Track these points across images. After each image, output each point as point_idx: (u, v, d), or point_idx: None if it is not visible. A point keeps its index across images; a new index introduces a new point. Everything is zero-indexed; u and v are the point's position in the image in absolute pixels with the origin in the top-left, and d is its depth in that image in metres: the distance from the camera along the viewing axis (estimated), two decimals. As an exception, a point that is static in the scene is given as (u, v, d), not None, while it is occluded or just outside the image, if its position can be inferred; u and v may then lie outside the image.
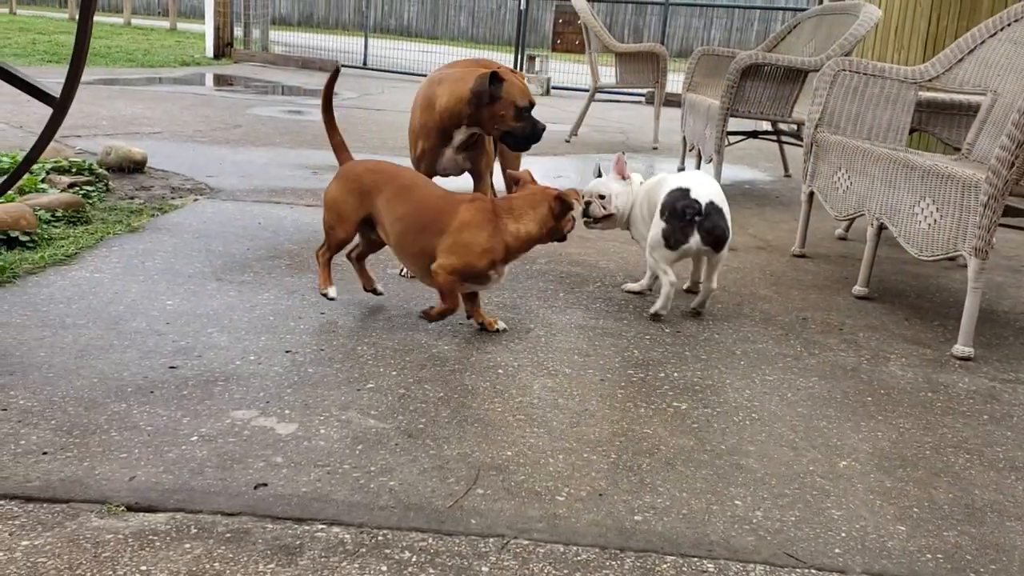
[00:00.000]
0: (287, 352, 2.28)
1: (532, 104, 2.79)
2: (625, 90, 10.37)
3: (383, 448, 1.82)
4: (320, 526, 1.53)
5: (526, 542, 1.53)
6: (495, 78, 2.70)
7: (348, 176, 2.59)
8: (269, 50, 13.50)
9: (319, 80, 10.86)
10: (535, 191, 2.52)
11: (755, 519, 1.67)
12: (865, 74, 3.44)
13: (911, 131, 3.62)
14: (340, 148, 2.67)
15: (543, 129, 2.83)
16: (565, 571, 1.46)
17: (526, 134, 2.78)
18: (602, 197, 2.98)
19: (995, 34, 3.37)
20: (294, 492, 1.63)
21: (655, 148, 6.94)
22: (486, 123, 2.77)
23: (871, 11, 4.51)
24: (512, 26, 12.88)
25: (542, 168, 5.56)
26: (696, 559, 1.53)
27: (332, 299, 2.65)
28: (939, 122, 3.86)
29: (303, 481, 1.67)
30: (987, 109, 3.33)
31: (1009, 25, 3.34)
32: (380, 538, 1.51)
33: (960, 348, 2.68)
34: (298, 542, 1.48)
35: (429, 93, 2.85)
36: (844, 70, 3.45)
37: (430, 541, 1.51)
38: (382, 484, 1.68)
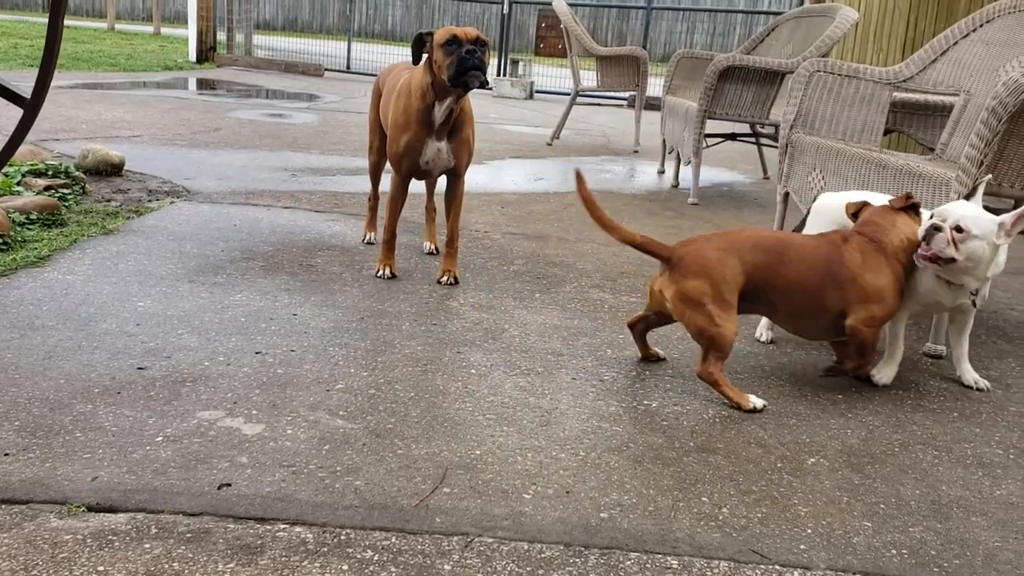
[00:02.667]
0: (257, 353, 2.27)
1: (457, 38, 2.73)
2: (608, 94, 10.39)
3: (350, 448, 1.81)
4: (282, 526, 1.52)
5: (490, 540, 1.52)
6: (419, 37, 2.84)
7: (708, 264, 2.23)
8: (252, 54, 13.46)
9: (302, 83, 10.84)
10: (880, 207, 2.38)
11: (721, 516, 1.67)
12: (840, 75, 3.46)
13: (886, 131, 3.64)
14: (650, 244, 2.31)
15: (472, 52, 2.70)
16: (528, 568, 1.45)
17: (460, 61, 2.69)
18: (960, 231, 2.21)
19: (967, 35, 3.39)
20: (258, 492, 1.62)
21: (636, 151, 6.96)
22: (439, 80, 2.77)
23: (848, 13, 4.54)
24: (496, 30, 12.88)
25: (523, 171, 5.56)
26: (660, 555, 1.52)
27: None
28: (914, 122, 3.88)
29: (267, 481, 1.66)
30: (960, 109, 3.35)
31: (981, 26, 3.36)
32: (343, 537, 1.50)
33: (931, 346, 2.69)
34: (259, 542, 1.47)
35: (407, 84, 2.90)
36: (819, 71, 3.47)
37: (393, 540, 1.50)
38: (347, 484, 1.67)
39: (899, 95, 3.85)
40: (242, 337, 2.37)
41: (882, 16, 6.00)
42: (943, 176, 2.61)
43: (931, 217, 2.26)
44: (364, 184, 3.49)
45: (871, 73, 3.45)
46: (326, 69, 12.65)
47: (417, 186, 3.67)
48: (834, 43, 4.38)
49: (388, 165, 3.09)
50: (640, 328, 2.46)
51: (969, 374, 2.46)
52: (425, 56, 2.83)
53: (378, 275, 3.02)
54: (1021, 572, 1.57)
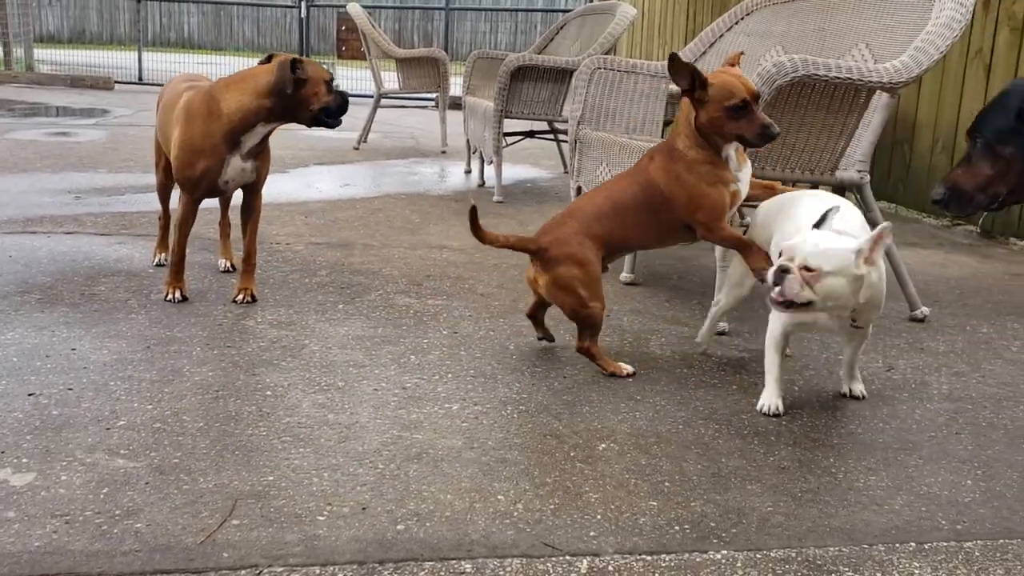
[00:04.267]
0: (30, 395, 2.12)
1: (332, 77, 2.86)
2: (417, 96, 10.39)
3: (131, 489, 1.72)
4: (52, 582, 1.43)
5: (280, 569, 1.49)
6: (296, 64, 2.73)
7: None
8: (34, 69, 12.55)
9: (91, 98, 10.21)
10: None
11: (516, 512, 1.71)
12: (619, 71, 3.61)
13: (666, 123, 3.83)
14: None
15: (346, 97, 2.89)
16: (320, 592, 1.43)
17: (339, 104, 2.83)
18: (810, 270, 2.00)
19: (731, 28, 3.62)
20: (25, 548, 1.51)
21: (444, 152, 7.00)
22: (295, 110, 2.76)
23: (626, 10, 4.74)
24: (296, 34, 12.61)
25: (329, 177, 5.47)
26: (455, 561, 1.54)
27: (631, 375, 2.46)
28: (691, 113, 4.09)
29: (37, 535, 1.55)
30: (730, 99, 3.57)
31: (743, 19, 3.59)
32: (120, 586, 1.42)
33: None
34: (25, 603, 1.37)
35: (204, 102, 2.74)
36: (600, 68, 3.60)
37: (176, 581, 1.44)
38: (127, 528, 1.58)
39: (675, 87, 4.05)
40: (13, 379, 2.20)
41: (665, 10, 6.32)
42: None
43: (779, 256, 2.07)
44: (156, 202, 3.30)
45: (648, 68, 3.62)
46: (117, 81, 11.96)
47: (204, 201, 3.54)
48: (616, 39, 4.57)
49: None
50: (539, 316, 2.65)
51: (857, 385, 2.38)
52: (268, 78, 2.72)
53: (167, 299, 2.88)
54: (790, 533, 1.69)
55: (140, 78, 12.63)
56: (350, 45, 20.06)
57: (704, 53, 3.66)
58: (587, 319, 2.41)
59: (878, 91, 2.74)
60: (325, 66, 2.96)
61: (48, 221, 3.92)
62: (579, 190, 3.70)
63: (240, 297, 2.92)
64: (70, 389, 2.17)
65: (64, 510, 1.63)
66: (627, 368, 2.44)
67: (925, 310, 3.07)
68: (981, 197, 2.21)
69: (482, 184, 5.55)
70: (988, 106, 2.25)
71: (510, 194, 5.23)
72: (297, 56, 2.78)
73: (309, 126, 2.85)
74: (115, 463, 1.81)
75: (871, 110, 2.84)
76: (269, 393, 2.21)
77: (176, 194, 3.13)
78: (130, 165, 5.57)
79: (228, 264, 3.29)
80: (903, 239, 4.47)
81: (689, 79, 2.34)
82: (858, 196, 2.97)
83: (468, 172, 6.00)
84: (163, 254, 3.29)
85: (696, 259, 3.86)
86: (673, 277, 3.54)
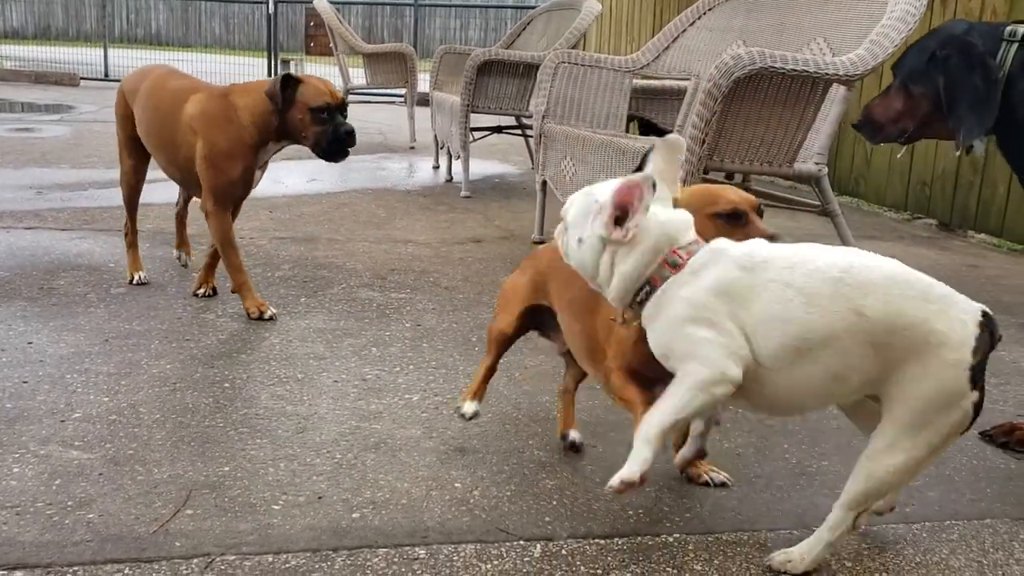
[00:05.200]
0: (-17, 389, 2.10)
1: (333, 104, 2.59)
2: (387, 91, 10.36)
3: (84, 480, 1.71)
4: (1, 573, 1.41)
5: (233, 557, 1.49)
6: (288, 80, 2.57)
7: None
8: (-2, 65, 12.39)
9: (55, 94, 10.09)
10: None
11: (472, 499, 1.71)
12: (583, 65, 3.62)
13: (630, 117, 3.86)
14: None
15: (349, 131, 2.58)
16: (272, 579, 1.43)
17: (329, 139, 2.57)
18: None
19: (693, 23, 3.65)
20: (-26, 540, 1.49)
21: (412, 147, 6.99)
22: (293, 133, 2.62)
23: (592, 5, 4.76)
24: (265, 30, 12.54)
25: (295, 173, 5.45)
26: (409, 547, 1.54)
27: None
28: (654, 107, 4.13)
29: (-14, 527, 1.53)
30: (692, 93, 3.60)
31: (704, 14, 3.62)
32: (70, 575, 1.41)
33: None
34: (-28, 594, 1.36)
35: (223, 107, 2.62)
36: (564, 62, 3.62)
37: (126, 572, 1.43)
38: (79, 518, 1.57)
39: (639, 82, 4.09)
40: (-34, 374, 2.18)
41: (632, 6, 6.36)
42: (673, 156, 2.79)
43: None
44: (118, 198, 3.22)
45: (612, 62, 3.64)
46: (82, 78, 11.84)
47: (164, 193, 3.50)
48: (581, 34, 4.59)
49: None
50: None
51: None
52: (270, 87, 2.57)
53: (263, 318, 2.71)
54: (743, 516, 1.71)
55: (106, 74, 12.50)
56: (319, 41, 19.92)
57: (667, 49, 3.69)
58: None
59: (835, 84, 2.77)
60: (293, 62, 2.85)
61: (8, 216, 3.87)
62: (544, 184, 3.71)
63: (201, 290, 2.90)
64: (25, 382, 2.15)
65: (15, 501, 1.62)
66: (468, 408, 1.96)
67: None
68: (891, 129, 2.37)
69: (450, 179, 5.55)
70: (912, 45, 2.36)
71: (478, 189, 5.23)
72: (294, 75, 2.62)
73: (317, 155, 2.64)
74: (69, 455, 1.80)
75: (829, 102, 2.88)
76: (227, 385, 2.21)
77: (156, 209, 3.09)
78: (94, 161, 5.51)
79: (185, 256, 3.23)
80: (864, 232, 4.53)
81: None
82: (816, 188, 3.00)
83: (436, 167, 6.00)
84: (140, 273, 3.01)
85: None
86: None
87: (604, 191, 1.47)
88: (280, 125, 2.61)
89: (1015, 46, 2.14)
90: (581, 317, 1.74)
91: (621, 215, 1.44)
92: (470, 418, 1.96)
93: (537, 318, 1.92)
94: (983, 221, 4.55)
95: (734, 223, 1.60)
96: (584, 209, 1.49)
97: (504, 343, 1.94)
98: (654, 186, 1.42)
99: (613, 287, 1.49)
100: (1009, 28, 2.16)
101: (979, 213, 4.57)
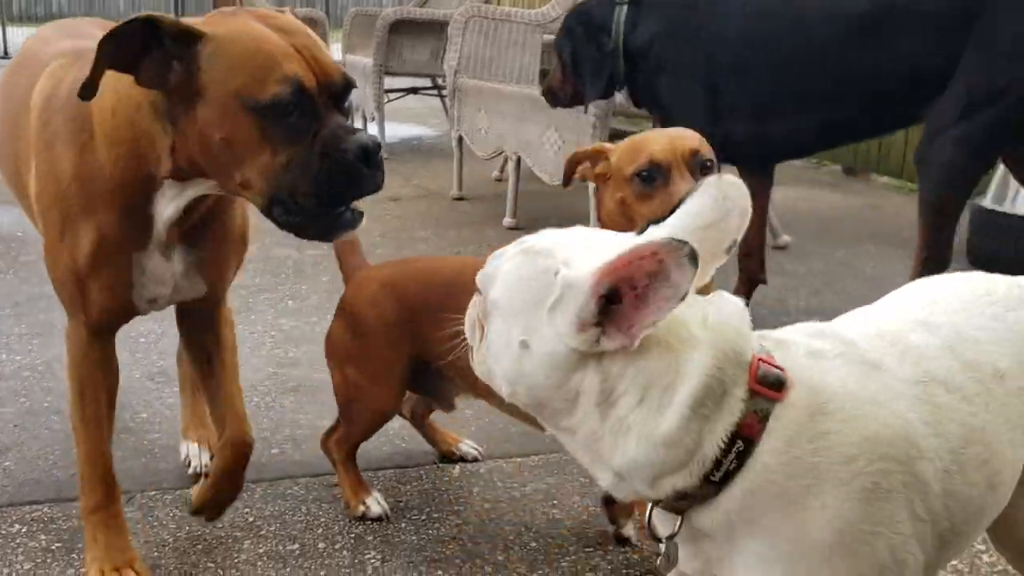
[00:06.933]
0: None
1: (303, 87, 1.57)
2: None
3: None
4: (-86, 520, 1.41)
5: (153, 492, 1.51)
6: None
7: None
8: None
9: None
10: None
11: (393, 431, 1.75)
12: (494, 19, 3.65)
13: (542, 71, 3.89)
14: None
15: (367, 151, 1.53)
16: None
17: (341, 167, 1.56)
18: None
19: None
20: None
21: (329, 115, 6.92)
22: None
23: (501, -37, 4.77)
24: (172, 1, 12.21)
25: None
26: (330, 475, 1.57)
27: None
28: (565, 61, 4.17)
29: None
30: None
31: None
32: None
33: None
34: None
35: (54, 100, 1.78)
36: (474, 16, 3.63)
37: (45, 510, 1.44)
38: (-6, 467, 1.57)
39: (549, 37, 4.12)
40: None
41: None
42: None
43: None
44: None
45: (521, 16, 3.67)
46: (-20, 57, 11.35)
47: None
48: (493, -8, 4.60)
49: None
50: None
51: None
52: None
53: None
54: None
55: (5, 54, 12.02)
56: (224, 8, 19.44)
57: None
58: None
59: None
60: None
61: (-95, 193, 3.74)
62: (460, 139, 3.73)
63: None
64: (-69, 346, 2.11)
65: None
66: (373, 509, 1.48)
67: (786, 238, 3.23)
68: (561, 95, 2.64)
69: (367, 144, 5.51)
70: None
71: (395, 151, 5.21)
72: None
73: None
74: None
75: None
76: (143, 340, 2.20)
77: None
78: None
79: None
80: (774, 180, 4.66)
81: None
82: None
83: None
84: None
85: (572, 201, 3.95)
86: (553, 220, 3.60)
87: (575, 254, 0.81)
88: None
89: (625, 8, 2.37)
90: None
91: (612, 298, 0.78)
92: (381, 517, 1.47)
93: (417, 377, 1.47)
94: (884, 164, 4.74)
95: (650, 184, 1.31)
96: (530, 285, 0.82)
97: (383, 422, 1.50)
98: (694, 259, 0.74)
99: (624, 452, 0.79)
100: None
101: (880, 157, 4.75)
